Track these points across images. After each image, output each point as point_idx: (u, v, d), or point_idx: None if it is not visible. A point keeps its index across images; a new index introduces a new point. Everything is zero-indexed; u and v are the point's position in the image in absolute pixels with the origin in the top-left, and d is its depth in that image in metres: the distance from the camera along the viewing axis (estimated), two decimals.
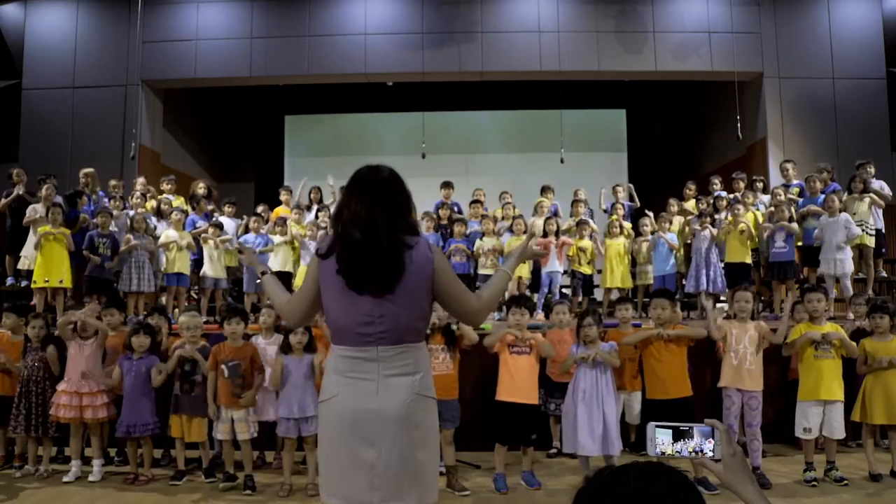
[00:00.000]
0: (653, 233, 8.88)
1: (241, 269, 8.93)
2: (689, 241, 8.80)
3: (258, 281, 2.87)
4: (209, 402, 5.38)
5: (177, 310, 8.29)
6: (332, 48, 11.97)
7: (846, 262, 7.84)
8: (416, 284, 2.46)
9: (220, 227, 8.87)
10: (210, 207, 9.58)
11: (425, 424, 2.49)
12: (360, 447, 2.40)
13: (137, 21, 11.54)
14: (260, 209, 9.72)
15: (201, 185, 10.22)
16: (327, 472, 2.49)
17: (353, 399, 2.43)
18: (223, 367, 5.31)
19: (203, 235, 8.71)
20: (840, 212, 7.97)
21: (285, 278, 8.36)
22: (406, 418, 2.42)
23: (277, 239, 8.83)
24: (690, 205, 9.69)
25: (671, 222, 9.00)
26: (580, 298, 8.91)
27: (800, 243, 8.43)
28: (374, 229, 2.42)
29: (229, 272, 8.94)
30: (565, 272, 9.18)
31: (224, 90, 13.59)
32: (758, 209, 8.89)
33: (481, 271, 8.60)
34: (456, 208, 10.06)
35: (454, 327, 5.37)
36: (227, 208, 9.53)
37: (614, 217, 9.26)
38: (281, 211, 9.79)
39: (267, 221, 9.48)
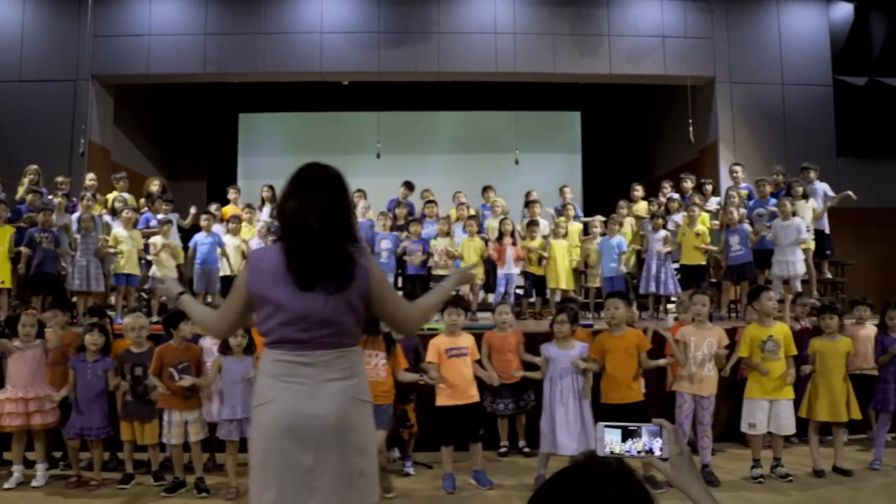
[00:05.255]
0: (602, 235, 8.96)
1: (191, 269, 8.76)
2: (640, 247, 8.89)
3: (177, 301, 2.85)
4: (155, 383, 5.24)
5: (126, 310, 8.10)
6: (288, 46, 11.84)
7: (798, 264, 8.06)
8: (359, 287, 2.46)
9: (170, 223, 8.67)
10: (165, 207, 9.25)
11: (362, 428, 2.48)
12: (297, 452, 2.36)
13: (88, 14, 11.26)
14: (212, 208, 9.57)
15: (155, 182, 10.00)
16: (262, 477, 2.41)
17: (289, 404, 2.39)
18: (172, 370, 5.24)
19: (152, 240, 8.49)
20: (793, 215, 8.17)
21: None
22: (343, 423, 2.40)
23: (229, 241, 8.73)
24: (640, 207, 9.79)
25: (621, 224, 9.08)
26: (532, 299, 8.96)
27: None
28: (329, 222, 2.42)
29: (180, 271, 8.75)
30: (520, 273, 9.23)
31: (177, 87, 13.31)
32: (708, 211, 9.05)
33: (436, 272, 8.57)
34: (409, 209, 10.02)
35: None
36: (163, 206, 9.21)
37: (561, 219, 9.32)
38: (231, 209, 9.65)
39: (221, 220, 9.35)
